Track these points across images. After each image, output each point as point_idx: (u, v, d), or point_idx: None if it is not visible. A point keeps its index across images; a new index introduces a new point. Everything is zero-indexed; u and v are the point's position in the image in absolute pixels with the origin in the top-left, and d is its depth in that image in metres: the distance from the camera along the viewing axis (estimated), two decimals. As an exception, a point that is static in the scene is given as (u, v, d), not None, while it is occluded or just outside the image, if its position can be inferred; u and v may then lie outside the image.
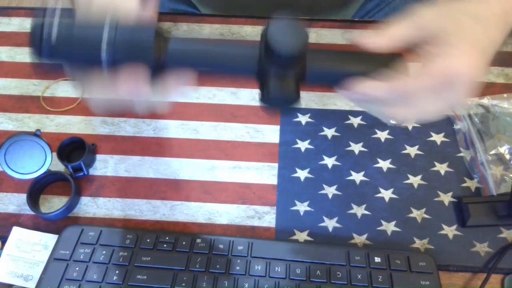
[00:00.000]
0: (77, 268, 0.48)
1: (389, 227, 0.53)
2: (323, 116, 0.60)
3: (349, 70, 0.38)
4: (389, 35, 0.38)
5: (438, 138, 0.58)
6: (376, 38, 0.38)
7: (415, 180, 0.55)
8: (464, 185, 0.55)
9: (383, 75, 0.37)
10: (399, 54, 0.38)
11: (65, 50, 0.36)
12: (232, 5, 0.76)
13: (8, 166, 0.51)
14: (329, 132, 0.59)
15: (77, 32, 0.35)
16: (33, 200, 0.53)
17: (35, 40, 0.35)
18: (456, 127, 0.59)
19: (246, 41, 0.37)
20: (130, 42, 0.36)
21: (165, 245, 0.50)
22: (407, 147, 0.58)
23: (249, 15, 0.69)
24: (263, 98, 0.38)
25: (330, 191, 0.55)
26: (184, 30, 0.68)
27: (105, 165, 0.57)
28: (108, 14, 0.36)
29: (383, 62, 0.38)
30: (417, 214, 0.53)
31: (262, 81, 0.38)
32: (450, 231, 0.52)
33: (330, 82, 0.40)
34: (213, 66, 0.38)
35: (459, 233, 0.52)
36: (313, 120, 0.60)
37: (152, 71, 0.37)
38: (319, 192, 0.55)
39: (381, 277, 0.47)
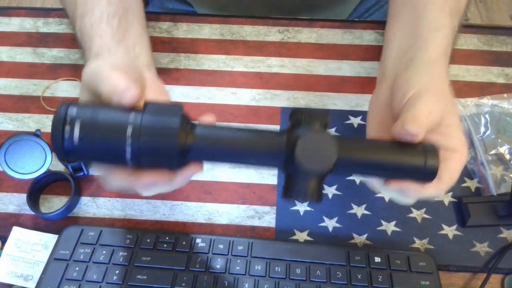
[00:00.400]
0: (77, 268, 0.48)
1: (389, 227, 0.53)
2: (323, 116, 0.60)
3: (380, 168, 0.38)
4: (421, 122, 0.38)
5: (438, 138, 0.58)
6: (412, 128, 0.37)
7: (415, 180, 0.55)
8: (464, 185, 0.55)
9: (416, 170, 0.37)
10: (432, 146, 0.38)
11: (88, 149, 0.34)
12: (230, 3, 0.76)
13: (8, 166, 0.51)
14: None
15: (99, 127, 0.34)
16: (33, 200, 0.53)
17: (57, 141, 0.34)
18: (456, 127, 0.59)
19: (273, 132, 0.37)
20: (155, 132, 0.34)
21: (165, 245, 0.50)
22: (407, 147, 0.58)
23: (249, 15, 0.69)
24: (285, 193, 0.37)
25: (330, 191, 0.55)
26: (184, 30, 0.68)
27: (105, 165, 0.57)
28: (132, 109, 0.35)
29: (417, 156, 0.37)
30: (417, 214, 0.53)
31: (286, 176, 0.37)
32: (450, 231, 0.52)
33: (358, 175, 0.39)
34: (237, 158, 0.37)
35: (459, 233, 0.52)
36: (313, 120, 0.60)
37: (176, 160, 0.35)
38: (319, 192, 0.55)
39: (381, 277, 0.47)
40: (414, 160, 0.37)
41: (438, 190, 0.40)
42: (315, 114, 0.36)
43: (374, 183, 0.41)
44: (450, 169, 0.40)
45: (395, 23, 0.53)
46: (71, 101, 0.35)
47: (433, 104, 0.40)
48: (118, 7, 0.50)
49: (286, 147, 0.35)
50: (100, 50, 0.46)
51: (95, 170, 0.38)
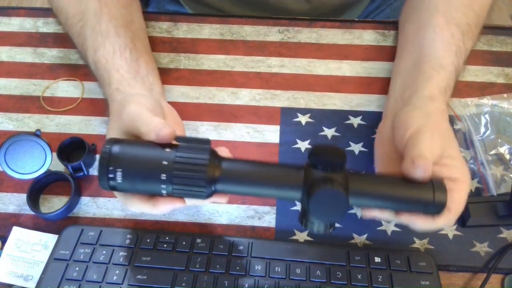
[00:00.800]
0: (77, 268, 0.48)
1: (389, 227, 0.53)
2: (323, 116, 0.60)
3: (392, 202, 0.41)
4: (427, 157, 0.40)
5: (438, 138, 0.58)
6: (422, 164, 0.40)
7: (415, 180, 0.55)
8: (464, 185, 0.55)
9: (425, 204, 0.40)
10: (439, 182, 0.40)
11: (129, 185, 0.40)
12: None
13: (8, 166, 0.51)
14: (329, 132, 0.59)
15: (139, 166, 0.40)
16: (33, 200, 0.53)
17: (103, 178, 0.40)
18: (456, 127, 0.59)
19: (292, 168, 0.41)
20: (187, 168, 0.39)
21: (165, 245, 0.50)
22: (407, 147, 0.58)
23: (249, 15, 0.69)
24: (300, 221, 0.42)
25: (330, 191, 0.55)
26: (184, 30, 0.68)
27: (105, 165, 0.57)
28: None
29: (426, 191, 0.40)
30: (417, 214, 0.53)
31: (303, 208, 0.41)
32: (450, 231, 0.52)
33: (371, 208, 0.43)
34: (258, 193, 0.41)
35: (459, 233, 0.52)
36: (313, 120, 0.60)
37: (205, 193, 0.40)
38: (319, 192, 0.55)
39: (381, 277, 0.47)
40: (423, 195, 0.40)
41: (448, 220, 0.42)
42: (333, 154, 0.39)
43: (385, 216, 0.43)
44: (456, 199, 0.41)
45: (402, 59, 0.56)
46: (114, 140, 0.41)
47: (433, 139, 0.43)
48: (126, 38, 0.54)
49: (303, 187, 0.39)
50: (120, 84, 0.50)
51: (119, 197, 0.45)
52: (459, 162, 0.44)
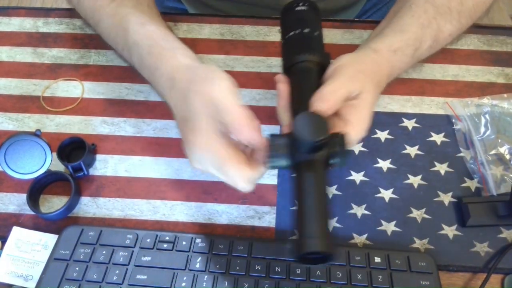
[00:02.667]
0: (77, 268, 0.48)
1: (389, 227, 0.53)
2: (323, 116, 0.60)
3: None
4: (331, 105, 0.43)
5: (438, 138, 0.58)
6: (326, 106, 0.42)
7: (415, 180, 0.55)
8: (464, 185, 0.55)
9: None
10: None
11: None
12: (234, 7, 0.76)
13: (8, 166, 0.51)
14: (329, 132, 0.59)
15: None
16: (33, 200, 0.53)
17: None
18: (456, 127, 0.59)
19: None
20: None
21: (165, 245, 0.50)
22: (407, 147, 0.58)
23: (249, 15, 0.69)
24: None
25: (331, 191, 0.55)
26: (184, 30, 0.68)
27: (105, 165, 0.57)
28: None
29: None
30: (417, 214, 0.53)
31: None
32: (450, 231, 0.52)
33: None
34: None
35: (459, 233, 0.52)
36: (313, 120, 0.60)
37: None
38: (319, 192, 0.55)
39: (381, 277, 0.47)
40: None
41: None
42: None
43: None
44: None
45: (375, 30, 0.58)
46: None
47: (353, 76, 0.44)
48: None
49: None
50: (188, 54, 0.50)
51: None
52: (362, 108, 0.45)
